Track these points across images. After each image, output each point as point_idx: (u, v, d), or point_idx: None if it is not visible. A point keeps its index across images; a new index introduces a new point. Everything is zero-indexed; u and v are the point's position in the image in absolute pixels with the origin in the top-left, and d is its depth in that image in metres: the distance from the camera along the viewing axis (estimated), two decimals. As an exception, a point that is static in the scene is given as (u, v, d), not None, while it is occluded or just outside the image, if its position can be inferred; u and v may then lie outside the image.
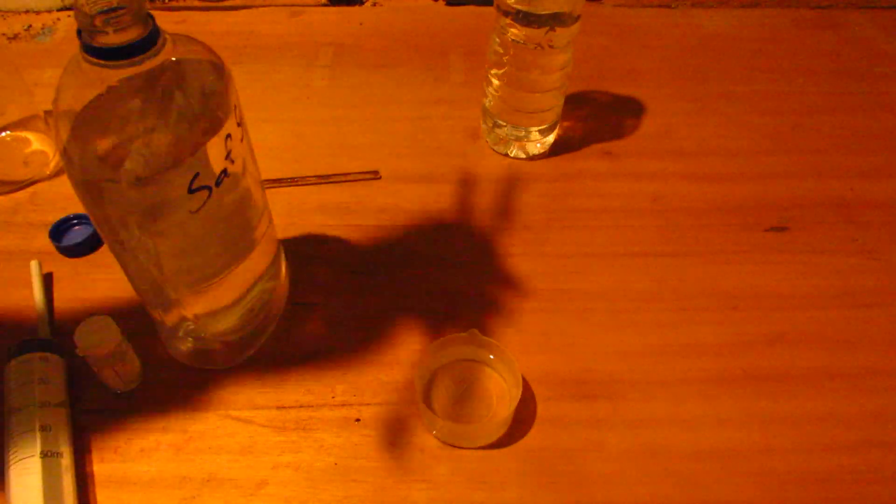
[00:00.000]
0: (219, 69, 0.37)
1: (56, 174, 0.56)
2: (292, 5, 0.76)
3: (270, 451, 0.41)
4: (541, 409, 0.43)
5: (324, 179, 0.56)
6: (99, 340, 0.40)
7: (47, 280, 0.49)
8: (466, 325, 0.45)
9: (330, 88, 0.66)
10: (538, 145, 0.59)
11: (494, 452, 0.41)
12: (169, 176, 0.34)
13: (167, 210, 0.35)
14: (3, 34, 0.71)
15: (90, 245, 0.51)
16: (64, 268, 0.50)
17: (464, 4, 0.77)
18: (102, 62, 0.32)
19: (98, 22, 0.31)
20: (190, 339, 0.44)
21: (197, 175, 0.35)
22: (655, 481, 0.40)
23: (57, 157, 0.57)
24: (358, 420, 0.42)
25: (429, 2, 0.78)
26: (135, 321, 0.46)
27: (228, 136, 0.37)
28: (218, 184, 0.36)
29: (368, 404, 0.43)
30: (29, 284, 0.48)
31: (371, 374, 0.45)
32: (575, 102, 0.64)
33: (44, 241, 0.51)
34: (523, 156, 0.60)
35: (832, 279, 0.51)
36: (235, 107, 0.38)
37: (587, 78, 0.67)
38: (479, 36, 0.72)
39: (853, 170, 0.60)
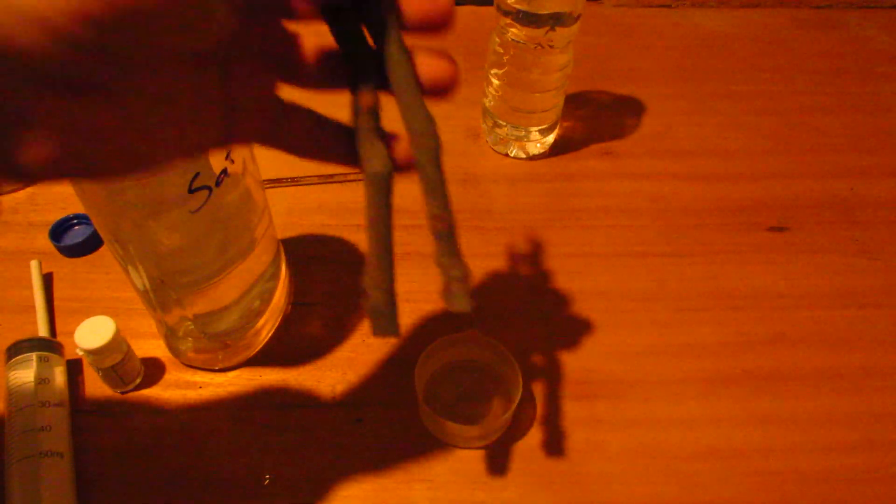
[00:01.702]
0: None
1: (56, 174, 0.56)
2: (292, 5, 0.76)
3: (270, 451, 0.41)
4: (541, 409, 0.43)
5: (324, 179, 0.56)
6: (99, 340, 0.40)
7: (47, 280, 0.49)
8: (466, 325, 0.45)
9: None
10: (538, 145, 0.59)
11: (494, 452, 0.41)
12: (169, 176, 0.34)
13: (167, 210, 0.35)
14: (3, 34, 0.71)
15: (90, 245, 0.51)
16: (64, 268, 0.50)
17: (464, 4, 0.77)
18: (102, 62, 0.32)
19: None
20: (190, 339, 0.44)
21: (197, 175, 0.35)
22: (655, 481, 0.40)
23: (57, 157, 0.57)
24: (358, 420, 0.42)
25: (429, 2, 0.78)
26: (135, 321, 0.46)
27: (228, 135, 0.37)
28: (218, 184, 0.36)
29: (368, 404, 0.43)
30: (29, 284, 0.48)
31: (371, 374, 0.45)
32: (575, 102, 0.64)
33: (44, 241, 0.51)
34: (523, 156, 0.60)
35: (832, 279, 0.51)
36: (235, 107, 0.38)
37: (587, 78, 0.67)
38: (479, 36, 0.72)
39: (853, 170, 0.60)
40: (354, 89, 0.25)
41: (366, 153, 0.25)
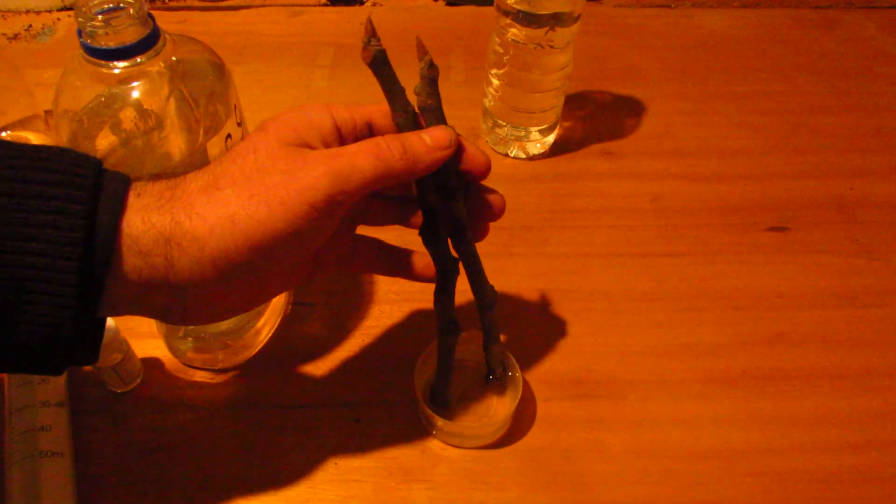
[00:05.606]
0: (219, 69, 0.37)
1: (56, 174, 0.56)
2: (292, 5, 0.76)
3: (270, 451, 0.41)
4: (541, 409, 0.43)
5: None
6: (99, 340, 0.40)
7: (47, 280, 0.49)
8: (466, 325, 0.45)
9: (330, 88, 0.66)
10: (538, 145, 0.59)
11: (494, 452, 0.41)
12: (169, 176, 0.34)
13: (167, 210, 0.35)
14: (3, 34, 0.71)
15: (90, 245, 0.51)
16: (64, 268, 0.50)
17: (464, 4, 0.77)
18: (102, 62, 0.32)
19: (98, 22, 0.32)
20: (190, 339, 0.44)
21: (197, 175, 0.35)
22: (655, 481, 0.40)
23: (57, 157, 0.57)
24: (358, 420, 0.42)
25: (429, 2, 0.78)
26: (135, 321, 0.46)
27: (229, 136, 0.37)
28: (218, 184, 0.36)
29: (368, 404, 0.43)
30: (29, 284, 0.48)
31: (371, 374, 0.45)
32: (575, 102, 0.64)
33: (44, 241, 0.51)
34: (523, 156, 0.60)
35: (832, 279, 0.51)
36: (235, 107, 0.38)
37: (587, 78, 0.67)
38: (479, 36, 0.72)
39: (853, 170, 0.60)
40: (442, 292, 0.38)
41: (442, 324, 0.39)
